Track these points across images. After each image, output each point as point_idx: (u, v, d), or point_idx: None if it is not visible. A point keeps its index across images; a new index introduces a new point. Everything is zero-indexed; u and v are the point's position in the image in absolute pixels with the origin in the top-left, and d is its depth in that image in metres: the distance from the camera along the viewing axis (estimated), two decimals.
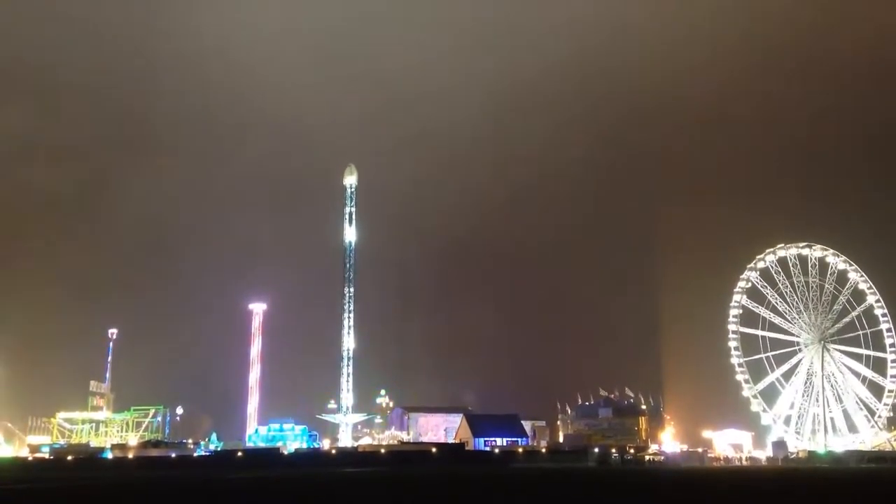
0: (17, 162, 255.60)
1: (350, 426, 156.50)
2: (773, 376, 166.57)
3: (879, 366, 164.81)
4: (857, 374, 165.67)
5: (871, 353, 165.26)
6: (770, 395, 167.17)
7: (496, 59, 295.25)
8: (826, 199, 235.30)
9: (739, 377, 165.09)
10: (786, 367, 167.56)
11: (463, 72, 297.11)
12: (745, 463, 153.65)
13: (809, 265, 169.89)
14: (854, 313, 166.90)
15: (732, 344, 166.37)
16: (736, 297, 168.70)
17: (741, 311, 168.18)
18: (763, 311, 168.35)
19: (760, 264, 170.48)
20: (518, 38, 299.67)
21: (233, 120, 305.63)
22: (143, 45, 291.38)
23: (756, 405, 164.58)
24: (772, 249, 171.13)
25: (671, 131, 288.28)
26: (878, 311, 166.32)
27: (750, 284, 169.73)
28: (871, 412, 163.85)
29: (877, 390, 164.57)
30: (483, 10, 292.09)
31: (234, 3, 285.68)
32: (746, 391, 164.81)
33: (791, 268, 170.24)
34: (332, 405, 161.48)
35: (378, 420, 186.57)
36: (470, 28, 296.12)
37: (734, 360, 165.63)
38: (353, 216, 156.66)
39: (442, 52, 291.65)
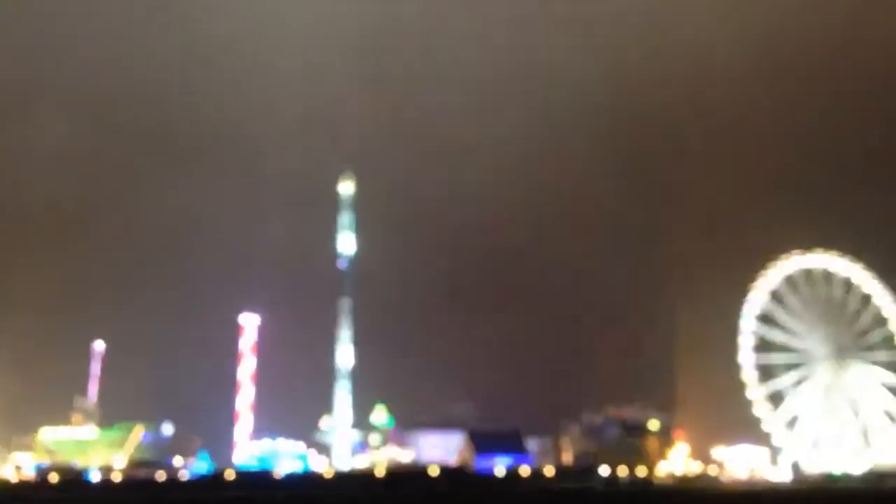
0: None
1: (347, 445, 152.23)
2: (780, 382, 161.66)
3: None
4: (872, 394, 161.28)
5: (890, 375, 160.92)
6: (776, 402, 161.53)
7: (503, 68, 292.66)
8: (854, 212, 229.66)
9: (745, 376, 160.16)
10: (795, 374, 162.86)
11: (468, 76, 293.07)
12: (757, 482, 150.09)
13: (834, 278, 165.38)
14: (876, 335, 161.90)
15: (743, 342, 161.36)
16: (753, 295, 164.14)
17: (757, 312, 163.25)
18: (780, 316, 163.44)
19: (782, 269, 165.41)
20: (523, 40, 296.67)
21: (228, 128, 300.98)
22: (130, 56, 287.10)
23: (759, 407, 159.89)
24: (796, 253, 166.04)
25: (686, 133, 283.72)
26: None
27: (769, 286, 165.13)
28: (889, 428, 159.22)
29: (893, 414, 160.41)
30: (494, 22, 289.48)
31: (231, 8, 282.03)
32: (751, 392, 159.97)
33: (814, 277, 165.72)
34: (328, 422, 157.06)
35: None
36: (474, 32, 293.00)
37: (742, 359, 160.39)
38: (352, 224, 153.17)
39: (441, 59, 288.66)
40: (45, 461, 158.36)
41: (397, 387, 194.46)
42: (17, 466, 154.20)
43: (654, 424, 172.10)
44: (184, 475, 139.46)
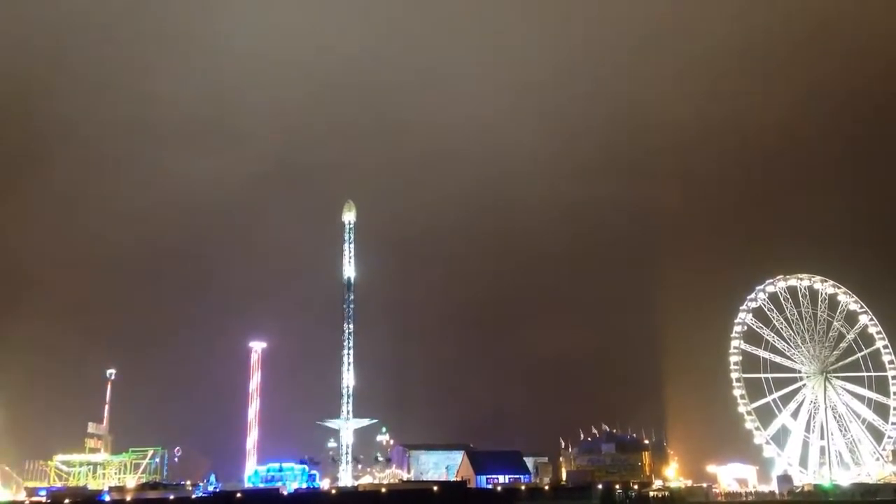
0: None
1: (350, 465, 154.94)
2: (781, 418, 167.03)
3: (881, 409, 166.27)
4: (858, 411, 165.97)
5: (875, 396, 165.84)
6: (780, 437, 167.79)
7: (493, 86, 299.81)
8: (839, 236, 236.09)
9: (749, 425, 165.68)
10: (792, 405, 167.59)
11: (464, 104, 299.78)
12: (751, 497, 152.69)
13: (820, 299, 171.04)
14: (860, 354, 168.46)
15: (736, 385, 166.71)
16: (741, 315, 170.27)
17: (744, 329, 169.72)
18: (767, 334, 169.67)
19: (770, 288, 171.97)
20: (511, 65, 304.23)
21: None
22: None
23: (749, 424, 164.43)
24: (783, 276, 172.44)
25: (676, 161, 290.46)
26: (885, 358, 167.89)
27: (757, 304, 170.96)
28: (875, 444, 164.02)
29: (877, 431, 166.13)
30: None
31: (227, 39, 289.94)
32: (741, 409, 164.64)
33: (800, 297, 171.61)
34: (332, 444, 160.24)
35: (380, 458, 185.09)
36: (465, 60, 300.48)
37: (741, 409, 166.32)
38: (352, 252, 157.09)
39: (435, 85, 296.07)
40: (58, 486, 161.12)
41: (399, 407, 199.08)
42: (29, 491, 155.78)
43: (648, 442, 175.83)
44: (194, 495, 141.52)
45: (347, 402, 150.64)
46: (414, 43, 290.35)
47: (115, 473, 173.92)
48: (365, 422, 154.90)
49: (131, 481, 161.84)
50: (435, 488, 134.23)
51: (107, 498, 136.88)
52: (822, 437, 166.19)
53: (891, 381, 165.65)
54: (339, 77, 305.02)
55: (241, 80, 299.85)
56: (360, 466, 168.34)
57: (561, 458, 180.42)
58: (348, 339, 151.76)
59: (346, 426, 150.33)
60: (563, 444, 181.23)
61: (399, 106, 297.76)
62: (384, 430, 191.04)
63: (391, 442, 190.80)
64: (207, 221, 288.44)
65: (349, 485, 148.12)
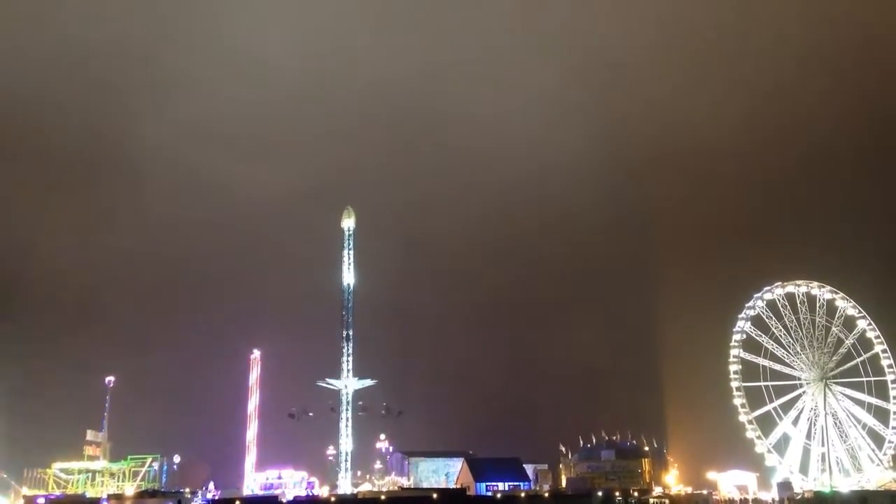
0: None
1: (349, 473, 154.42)
2: (782, 426, 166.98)
3: (881, 413, 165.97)
4: (858, 418, 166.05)
5: (874, 400, 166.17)
6: (780, 445, 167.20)
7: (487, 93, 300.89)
8: (836, 241, 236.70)
9: (751, 434, 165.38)
10: (793, 413, 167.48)
11: (465, 104, 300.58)
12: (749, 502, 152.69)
13: (818, 305, 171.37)
14: (859, 359, 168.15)
15: (737, 394, 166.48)
16: (740, 324, 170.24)
17: (743, 337, 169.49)
18: (766, 342, 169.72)
19: (768, 295, 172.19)
20: (509, 80, 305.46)
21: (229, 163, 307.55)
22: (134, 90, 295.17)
23: (749, 431, 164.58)
24: (780, 283, 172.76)
25: (680, 165, 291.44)
26: (884, 362, 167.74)
27: (756, 312, 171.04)
28: (876, 450, 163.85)
29: (877, 436, 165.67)
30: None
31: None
32: (741, 416, 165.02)
33: (798, 304, 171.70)
34: (330, 451, 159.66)
35: (378, 466, 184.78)
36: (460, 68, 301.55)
37: (742, 419, 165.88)
38: (352, 259, 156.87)
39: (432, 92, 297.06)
40: (57, 493, 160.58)
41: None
42: (27, 499, 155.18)
43: (648, 449, 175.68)
44: (192, 503, 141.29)
45: (346, 409, 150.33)
46: (418, 42, 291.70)
47: (114, 481, 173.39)
48: (367, 382, 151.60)
49: (130, 489, 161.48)
50: (434, 495, 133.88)
51: None
52: (822, 444, 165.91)
53: (890, 386, 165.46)
54: (341, 78, 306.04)
55: (240, 80, 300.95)
56: (358, 473, 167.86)
57: (561, 465, 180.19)
58: (347, 345, 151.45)
59: (347, 384, 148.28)
60: (562, 451, 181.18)
61: (401, 106, 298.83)
62: (382, 436, 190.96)
63: (390, 449, 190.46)
64: (206, 228, 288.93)
65: (348, 492, 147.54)
